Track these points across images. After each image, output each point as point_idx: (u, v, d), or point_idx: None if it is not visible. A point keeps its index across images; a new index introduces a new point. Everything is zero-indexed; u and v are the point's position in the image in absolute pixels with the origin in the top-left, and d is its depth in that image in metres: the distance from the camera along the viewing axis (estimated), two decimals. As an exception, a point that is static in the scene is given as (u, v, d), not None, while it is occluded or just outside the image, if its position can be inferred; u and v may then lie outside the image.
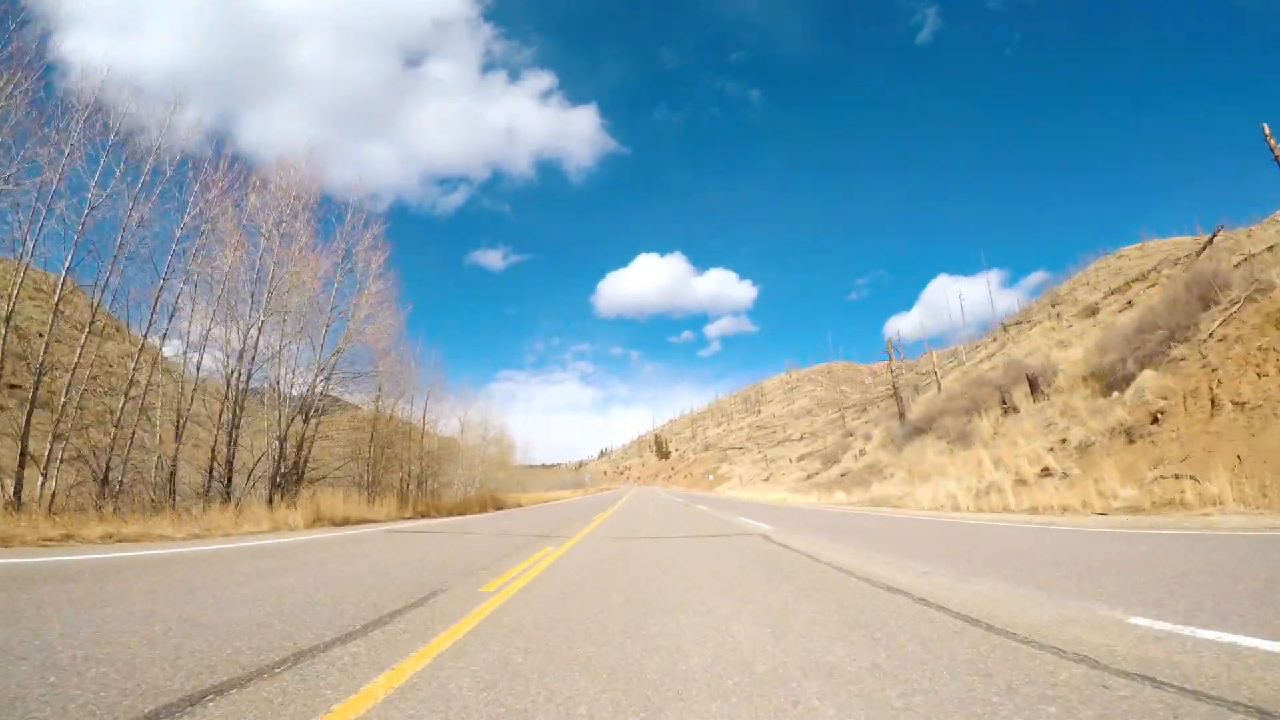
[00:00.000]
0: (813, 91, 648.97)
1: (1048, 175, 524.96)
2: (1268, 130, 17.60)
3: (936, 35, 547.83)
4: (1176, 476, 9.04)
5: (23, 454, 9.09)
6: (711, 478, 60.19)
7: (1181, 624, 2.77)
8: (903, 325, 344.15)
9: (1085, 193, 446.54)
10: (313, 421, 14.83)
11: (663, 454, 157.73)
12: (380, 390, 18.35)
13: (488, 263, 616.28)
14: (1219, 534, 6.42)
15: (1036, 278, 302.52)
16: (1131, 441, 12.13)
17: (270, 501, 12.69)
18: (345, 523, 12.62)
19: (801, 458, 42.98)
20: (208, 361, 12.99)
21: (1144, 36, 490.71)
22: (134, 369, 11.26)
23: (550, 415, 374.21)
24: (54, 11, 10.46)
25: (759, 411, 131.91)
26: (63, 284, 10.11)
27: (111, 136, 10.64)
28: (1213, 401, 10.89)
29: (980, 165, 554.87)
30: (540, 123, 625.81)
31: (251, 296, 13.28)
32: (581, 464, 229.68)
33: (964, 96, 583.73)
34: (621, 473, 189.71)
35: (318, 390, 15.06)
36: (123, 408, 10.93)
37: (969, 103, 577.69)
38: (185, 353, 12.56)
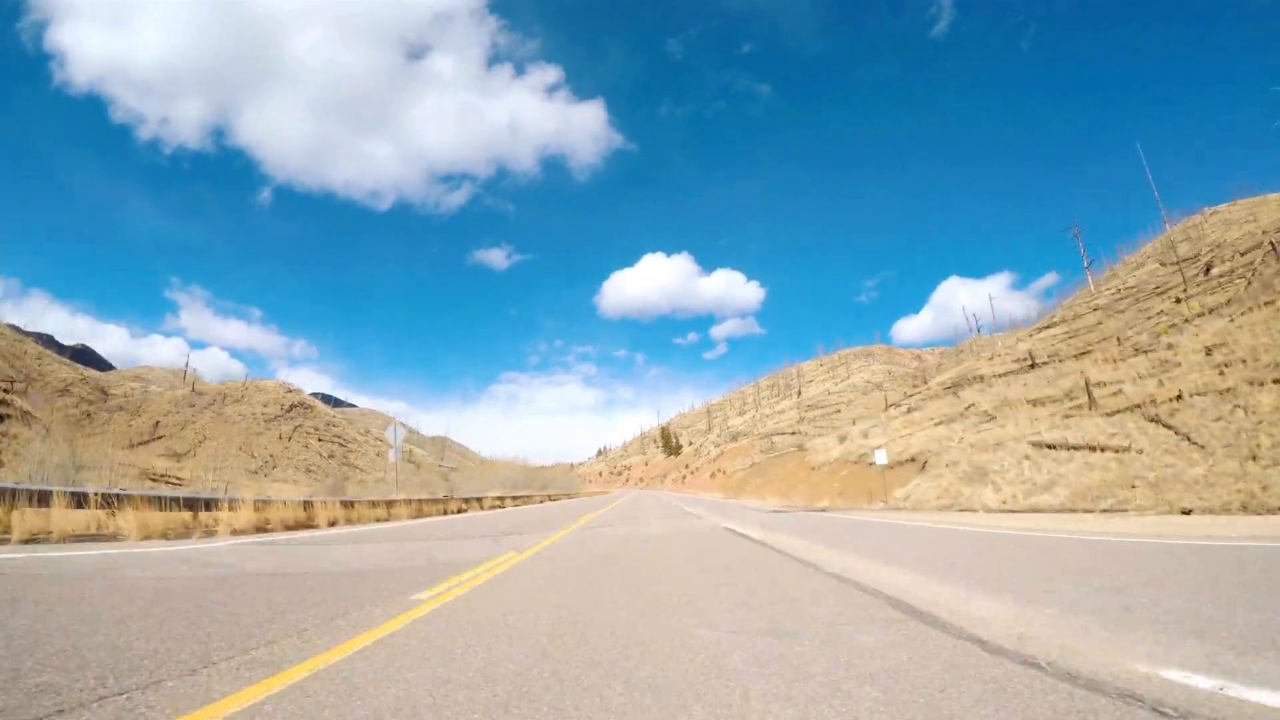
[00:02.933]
0: (824, 85, 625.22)
1: (1060, 174, 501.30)
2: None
3: (952, 27, 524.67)
4: None
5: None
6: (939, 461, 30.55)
7: None
8: (910, 328, 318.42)
9: (1096, 191, 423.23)
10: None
11: (671, 449, 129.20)
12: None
13: (491, 262, 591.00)
14: None
15: (1048, 280, 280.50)
16: None
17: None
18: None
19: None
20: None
21: (1162, 31, 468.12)
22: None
23: (553, 418, 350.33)
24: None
25: (799, 393, 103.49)
26: None
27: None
28: None
29: (992, 164, 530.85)
30: (546, 118, 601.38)
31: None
32: (573, 466, 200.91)
33: (978, 92, 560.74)
34: (620, 473, 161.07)
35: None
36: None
37: (983, 99, 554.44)
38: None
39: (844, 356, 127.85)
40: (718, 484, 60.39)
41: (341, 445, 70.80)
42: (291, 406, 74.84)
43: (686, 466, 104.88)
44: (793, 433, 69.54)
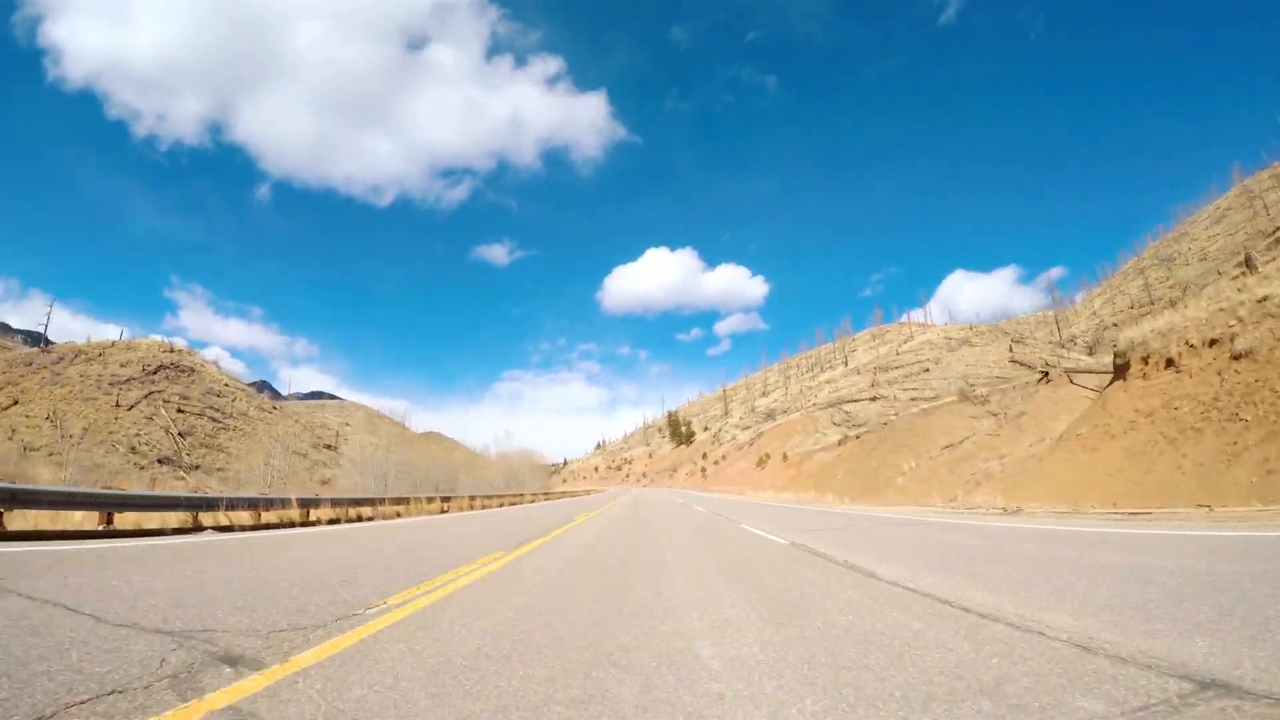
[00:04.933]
0: (830, 77, 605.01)
1: (1068, 168, 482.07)
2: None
3: (960, 16, 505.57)
4: None
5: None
6: None
7: None
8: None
9: (1106, 188, 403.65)
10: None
11: (682, 437, 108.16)
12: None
13: (492, 258, 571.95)
14: None
15: (1055, 273, 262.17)
16: None
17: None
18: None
19: None
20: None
21: (1170, 24, 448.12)
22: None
23: (558, 417, 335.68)
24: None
25: (846, 363, 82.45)
26: None
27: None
28: None
29: (999, 157, 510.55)
30: (547, 110, 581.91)
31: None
32: (565, 463, 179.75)
33: (985, 84, 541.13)
34: (619, 468, 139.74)
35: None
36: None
37: (990, 91, 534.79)
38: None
39: (882, 330, 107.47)
40: (778, 477, 39.37)
41: (215, 420, 49.51)
42: (158, 369, 53.67)
43: (704, 457, 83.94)
44: (872, 398, 48.63)
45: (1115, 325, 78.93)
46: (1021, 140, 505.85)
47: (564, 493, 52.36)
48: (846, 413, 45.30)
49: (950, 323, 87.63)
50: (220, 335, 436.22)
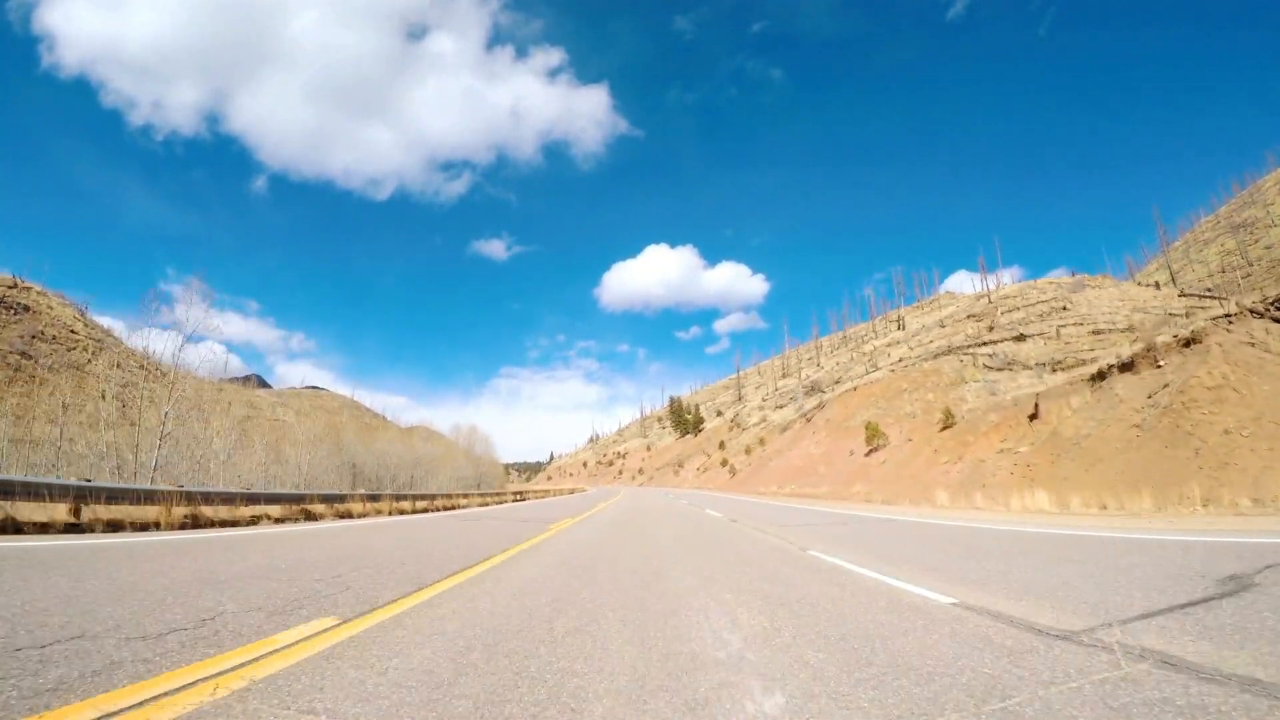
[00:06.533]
0: (835, 71, 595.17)
1: (1073, 167, 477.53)
2: None
3: (969, 9, 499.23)
4: None
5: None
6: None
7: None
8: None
9: (1113, 187, 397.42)
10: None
11: (688, 426, 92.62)
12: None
13: (491, 253, 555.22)
14: None
15: (1057, 274, 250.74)
16: None
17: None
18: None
19: None
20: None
21: (1182, 23, 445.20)
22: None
23: (555, 414, 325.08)
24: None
25: (902, 328, 67.69)
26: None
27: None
28: None
29: (1004, 155, 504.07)
30: (548, 103, 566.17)
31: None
32: (551, 458, 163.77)
33: (991, 82, 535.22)
34: (611, 463, 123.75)
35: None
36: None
37: (996, 89, 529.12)
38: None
39: (934, 298, 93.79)
40: (987, 464, 23.50)
41: (15, 368, 33.18)
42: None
43: (722, 447, 68.74)
44: (1018, 337, 33.55)
45: (1210, 290, 66.80)
46: (1027, 138, 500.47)
47: (493, 496, 34.86)
48: (992, 354, 30.28)
49: (1020, 280, 73.54)
50: (216, 330, 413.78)
